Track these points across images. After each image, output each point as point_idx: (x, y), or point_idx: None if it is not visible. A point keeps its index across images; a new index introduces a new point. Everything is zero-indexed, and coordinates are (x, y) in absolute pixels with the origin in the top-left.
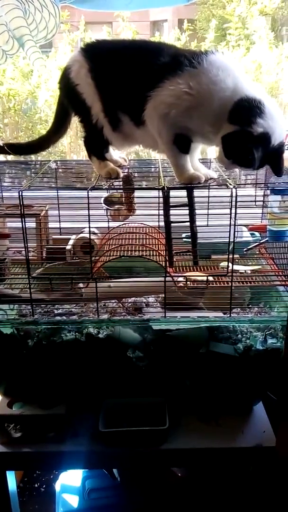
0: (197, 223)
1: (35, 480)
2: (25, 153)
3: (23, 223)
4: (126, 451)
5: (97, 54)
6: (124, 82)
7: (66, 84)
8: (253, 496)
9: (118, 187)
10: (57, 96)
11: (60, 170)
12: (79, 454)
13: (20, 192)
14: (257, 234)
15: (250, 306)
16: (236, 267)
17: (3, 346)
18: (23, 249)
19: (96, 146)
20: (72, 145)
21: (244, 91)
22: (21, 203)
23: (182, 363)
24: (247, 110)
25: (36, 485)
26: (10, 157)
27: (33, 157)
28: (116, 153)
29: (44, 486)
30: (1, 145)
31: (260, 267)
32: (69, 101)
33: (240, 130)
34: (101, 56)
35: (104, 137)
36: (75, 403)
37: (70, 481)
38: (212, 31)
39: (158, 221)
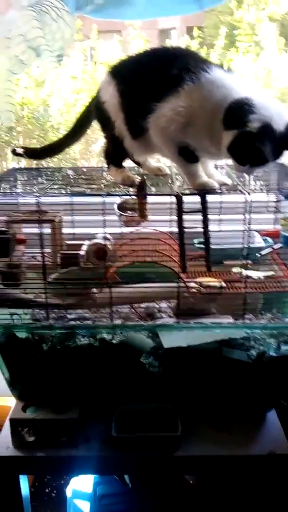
0: (210, 228)
1: (46, 485)
2: (41, 157)
3: (41, 229)
4: (138, 457)
5: (120, 69)
6: (141, 91)
7: (96, 103)
8: (266, 504)
9: (132, 193)
10: (84, 107)
11: (71, 177)
12: (91, 460)
13: (38, 199)
14: (270, 239)
15: (263, 312)
16: (249, 272)
17: (18, 350)
18: (38, 254)
19: (116, 156)
20: (82, 151)
21: (232, 96)
22: (39, 209)
23: (194, 369)
24: (238, 111)
25: (47, 490)
26: (23, 164)
27: (44, 163)
28: (153, 161)
29: (55, 491)
30: (20, 152)
31: (273, 273)
32: (97, 118)
33: (239, 134)
34: (123, 70)
35: (124, 147)
36: (88, 408)
37: (81, 486)
38: (222, 38)
39: (170, 226)
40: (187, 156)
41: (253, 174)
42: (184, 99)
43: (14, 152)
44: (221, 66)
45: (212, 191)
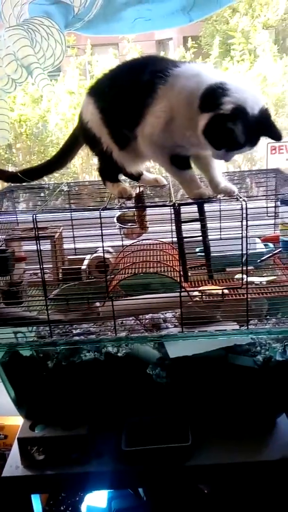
0: (211, 236)
1: (61, 502)
2: (35, 178)
3: (38, 246)
4: (150, 470)
5: (96, 88)
6: (120, 103)
7: (80, 124)
8: (282, 509)
9: (129, 205)
10: (73, 129)
11: (73, 191)
12: (103, 475)
13: (34, 216)
14: (270, 245)
15: (267, 317)
16: (251, 278)
17: (23, 368)
18: (39, 271)
19: (109, 171)
20: (84, 165)
21: (206, 82)
22: (35, 226)
23: (202, 378)
24: (212, 95)
25: (62, 508)
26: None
27: (46, 179)
28: (150, 174)
29: (70, 508)
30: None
31: (275, 277)
32: (84, 138)
33: (212, 116)
34: (100, 88)
35: (114, 161)
36: (97, 423)
37: (96, 502)
38: (216, 48)
39: (172, 236)
40: (179, 164)
41: (229, 159)
42: (161, 101)
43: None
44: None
45: (208, 199)
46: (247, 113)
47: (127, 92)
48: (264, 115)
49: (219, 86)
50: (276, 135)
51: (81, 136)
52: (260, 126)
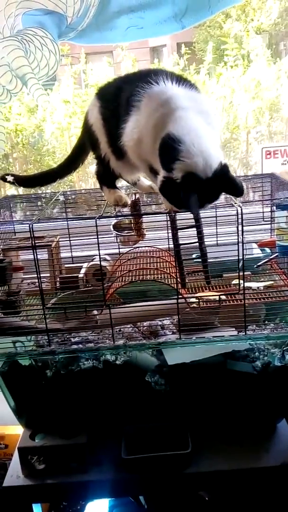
0: (208, 242)
1: (62, 511)
2: (33, 185)
3: (35, 255)
4: (150, 477)
5: (104, 92)
6: (115, 114)
7: (85, 125)
8: None
9: (125, 213)
10: (79, 134)
11: (69, 199)
12: (103, 483)
13: (31, 225)
14: (267, 250)
15: (265, 322)
16: (248, 284)
17: (22, 378)
18: (37, 280)
19: (106, 177)
20: (80, 173)
21: (169, 127)
22: (32, 235)
23: (201, 385)
24: (167, 152)
25: None
26: (21, 190)
27: (43, 188)
28: (146, 181)
29: None
30: (11, 179)
31: (273, 282)
32: (88, 140)
33: (165, 178)
34: (106, 93)
35: (111, 168)
36: (96, 431)
37: (98, 511)
38: (210, 53)
39: (168, 243)
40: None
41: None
42: (136, 117)
43: (3, 179)
44: (178, 77)
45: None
46: (199, 178)
47: (121, 105)
48: (221, 173)
49: (175, 141)
50: (236, 192)
51: (85, 136)
52: (218, 184)
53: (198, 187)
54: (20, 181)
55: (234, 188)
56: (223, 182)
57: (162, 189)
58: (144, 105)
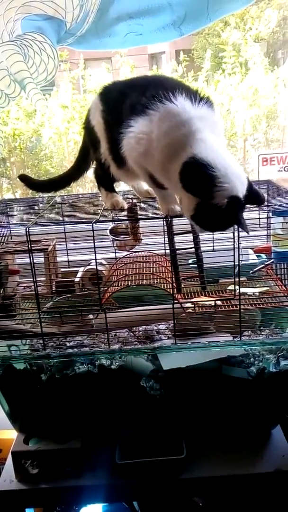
0: (203, 247)
1: None
2: (46, 190)
3: (31, 259)
4: (144, 483)
5: (107, 95)
6: (117, 121)
7: (87, 125)
8: None
9: (122, 218)
10: (82, 136)
11: (67, 203)
12: (97, 488)
13: (27, 229)
14: (263, 256)
15: (261, 328)
16: (244, 289)
17: (17, 382)
18: (33, 284)
19: (104, 180)
20: None
21: (192, 150)
22: (28, 239)
23: (196, 390)
24: (198, 178)
25: None
26: (18, 195)
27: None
28: (143, 186)
29: None
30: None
31: (268, 288)
32: (89, 140)
33: (203, 203)
34: (109, 97)
35: (111, 174)
36: (90, 436)
37: None
38: (208, 61)
39: (165, 248)
40: (156, 182)
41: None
42: (145, 123)
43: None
44: (195, 94)
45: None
46: (240, 199)
47: (125, 111)
48: (250, 187)
49: (206, 167)
50: (260, 202)
51: (87, 136)
52: (249, 198)
53: (241, 207)
54: (34, 185)
55: (258, 198)
56: (252, 196)
57: (196, 216)
58: (159, 119)
